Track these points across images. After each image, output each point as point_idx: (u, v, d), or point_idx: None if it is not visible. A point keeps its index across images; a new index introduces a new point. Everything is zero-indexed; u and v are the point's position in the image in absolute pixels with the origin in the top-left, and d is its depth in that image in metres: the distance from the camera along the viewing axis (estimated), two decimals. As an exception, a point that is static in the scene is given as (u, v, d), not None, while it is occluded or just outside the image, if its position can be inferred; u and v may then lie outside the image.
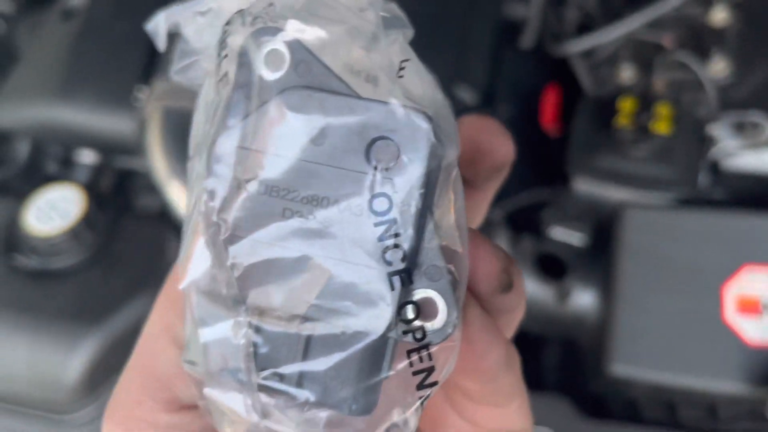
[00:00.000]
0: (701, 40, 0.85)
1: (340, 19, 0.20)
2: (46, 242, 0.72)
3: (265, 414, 0.18)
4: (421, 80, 0.21)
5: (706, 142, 0.76)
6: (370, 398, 0.19)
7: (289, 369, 0.18)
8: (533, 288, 0.70)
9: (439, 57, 0.88)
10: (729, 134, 0.75)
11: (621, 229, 0.70)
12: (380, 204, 0.19)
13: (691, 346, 0.66)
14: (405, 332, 0.19)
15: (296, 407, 0.18)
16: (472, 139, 0.24)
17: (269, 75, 0.19)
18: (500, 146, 0.26)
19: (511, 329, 0.23)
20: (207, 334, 0.19)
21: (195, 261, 0.19)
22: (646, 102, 0.75)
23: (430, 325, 0.19)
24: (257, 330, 0.19)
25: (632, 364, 0.65)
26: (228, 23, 0.20)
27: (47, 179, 0.86)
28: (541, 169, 0.86)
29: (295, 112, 0.19)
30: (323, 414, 0.18)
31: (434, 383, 0.19)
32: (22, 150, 0.88)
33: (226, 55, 0.19)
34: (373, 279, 0.19)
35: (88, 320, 0.70)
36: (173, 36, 0.23)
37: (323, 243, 0.19)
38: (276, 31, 0.19)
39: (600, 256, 0.71)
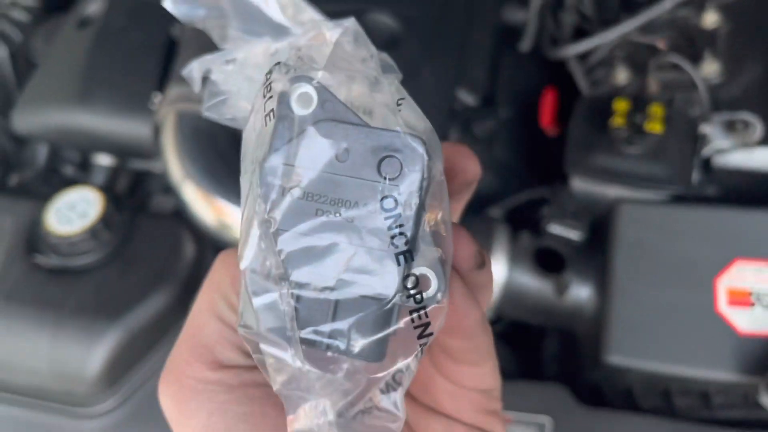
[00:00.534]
0: (693, 42, 0.88)
1: (351, 68, 0.27)
2: (66, 241, 0.75)
3: (304, 361, 0.25)
4: (414, 113, 0.28)
5: (698, 140, 0.78)
6: (382, 348, 0.25)
7: (323, 327, 0.25)
8: (533, 282, 0.73)
9: (441, 61, 0.91)
10: (720, 133, 0.78)
11: (616, 224, 0.73)
12: (389, 204, 0.26)
13: (685, 336, 0.69)
14: (408, 297, 0.26)
15: (326, 356, 0.25)
16: (449, 160, 0.31)
17: (302, 111, 0.26)
18: (470, 167, 0.32)
19: (484, 302, 0.29)
20: (259, 302, 0.25)
21: (250, 248, 0.25)
22: (639, 103, 0.77)
23: (425, 293, 0.26)
24: (298, 299, 0.25)
25: (628, 354, 0.68)
26: (270, 72, 0.27)
27: (65, 182, 0.89)
28: (540, 168, 0.90)
29: (325, 137, 0.26)
30: (345, 362, 0.25)
31: (430, 334, 0.26)
32: (41, 154, 0.92)
33: (270, 96, 0.26)
34: (384, 258, 0.25)
35: (107, 315, 0.73)
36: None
37: (347, 233, 0.26)
38: (307, 78, 0.26)
39: (597, 250, 0.74)
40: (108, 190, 0.82)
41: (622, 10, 0.94)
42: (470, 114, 0.90)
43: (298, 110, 0.26)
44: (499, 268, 0.74)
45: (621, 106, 0.78)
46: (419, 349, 0.26)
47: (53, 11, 1.01)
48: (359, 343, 0.25)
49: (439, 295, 0.26)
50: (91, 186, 0.80)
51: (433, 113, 0.35)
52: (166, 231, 0.79)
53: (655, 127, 0.76)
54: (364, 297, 0.25)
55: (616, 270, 0.71)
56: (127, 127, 0.83)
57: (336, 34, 0.27)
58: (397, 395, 0.26)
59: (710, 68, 0.83)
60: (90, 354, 0.73)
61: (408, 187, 0.26)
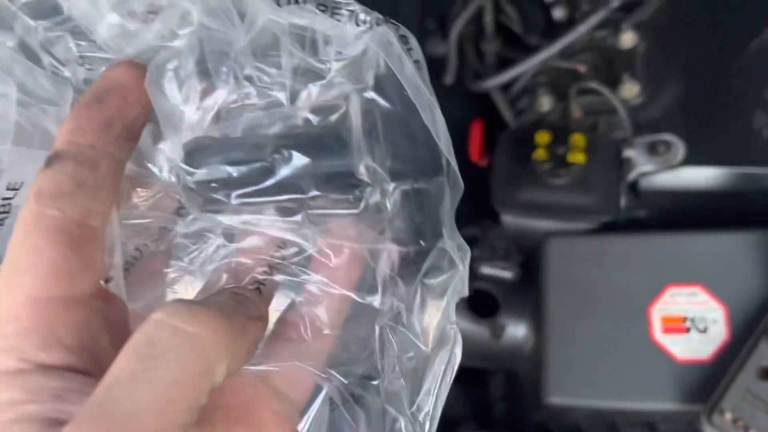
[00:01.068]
0: (613, 64, 0.88)
1: None
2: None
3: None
4: None
5: (623, 165, 0.78)
6: None
7: None
8: (468, 327, 0.71)
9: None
10: (644, 156, 0.78)
11: (545, 259, 0.72)
12: None
13: (624, 369, 0.68)
14: None
15: None
16: None
17: None
18: None
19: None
20: None
21: None
22: (561, 134, 0.77)
23: None
24: None
25: (568, 394, 0.67)
26: None
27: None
28: (473, 205, 0.89)
29: None
30: None
31: None
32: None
33: None
34: None
35: None
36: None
37: None
38: None
39: (531, 287, 0.73)
40: None
41: (544, 36, 0.94)
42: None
43: None
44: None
45: (543, 138, 0.77)
46: None
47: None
48: None
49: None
50: None
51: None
52: None
53: (577, 157, 0.75)
54: None
55: (548, 307, 0.70)
56: None
57: None
58: None
59: (630, 90, 0.83)
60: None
61: None
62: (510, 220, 0.78)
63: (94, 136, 0.26)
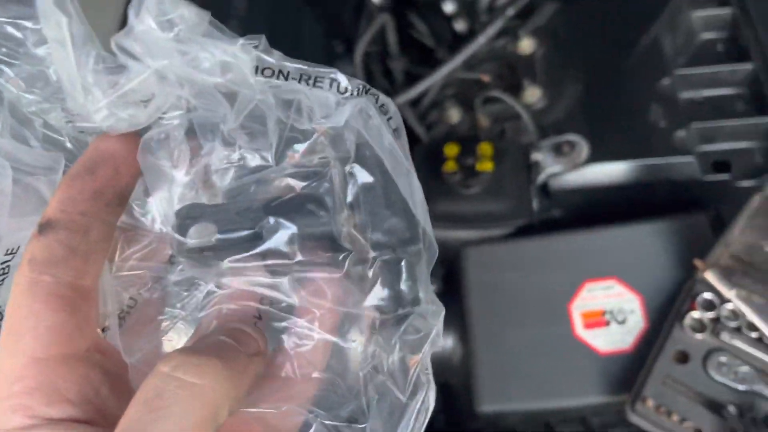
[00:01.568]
0: (515, 72, 0.90)
1: None
2: None
3: None
4: None
5: (532, 168, 0.80)
6: None
7: None
8: (395, 345, 0.72)
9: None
10: (551, 157, 0.80)
11: (464, 269, 0.73)
12: None
13: (552, 368, 0.69)
14: None
15: None
16: None
17: None
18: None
19: None
20: None
21: None
22: (469, 145, 0.78)
23: None
24: None
25: (500, 401, 0.67)
26: None
27: None
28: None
29: None
30: None
31: None
32: None
33: None
34: None
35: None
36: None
37: None
38: None
39: (453, 299, 0.74)
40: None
41: (450, 49, 0.96)
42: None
43: None
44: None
45: (451, 150, 0.78)
46: None
47: None
48: None
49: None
50: None
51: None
52: None
53: (485, 165, 0.77)
54: None
55: (472, 316, 0.71)
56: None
57: None
58: None
59: (532, 95, 0.85)
60: None
61: None
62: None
63: (86, 205, 0.27)
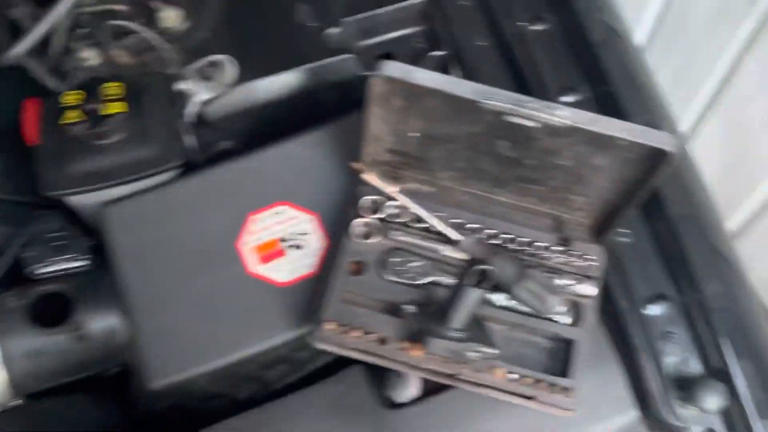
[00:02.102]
0: (150, -4, 0.78)
1: None
2: None
3: None
4: None
5: (179, 100, 0.70)
6: None
7: None
8: (40, 342, 0.59)
9: None
10: (198, 84, 0.71)
11: (109, 232, 0.62)
12: None
13: (228, 319, 0.61)
14: None
15: None
16: None
17: None
18: None
19: None
20: None
21: None
22: (93, 88, 0.66)
23: None
24: None
25: (172, 373, 0.59)
26: None
27: None
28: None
29: None
30: None
31: None
32: None
33: None
34: None
35: None
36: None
37: None
38: None
39: (107, 270, 0.63)
40: None
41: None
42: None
43: None
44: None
45: (70, 99, 0.65)
46: None
47: None
48: None
49: None
50: None
51: None
52: None
53: (114, 108, 0.65)
54: None
55: (127, 283, 0.61)
56: None
57: None
58: None
59: (170, 18, 0.74)
60: None
61: None
62: (74, 201, 0.67)
63: None
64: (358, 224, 0.62)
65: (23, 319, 0.59)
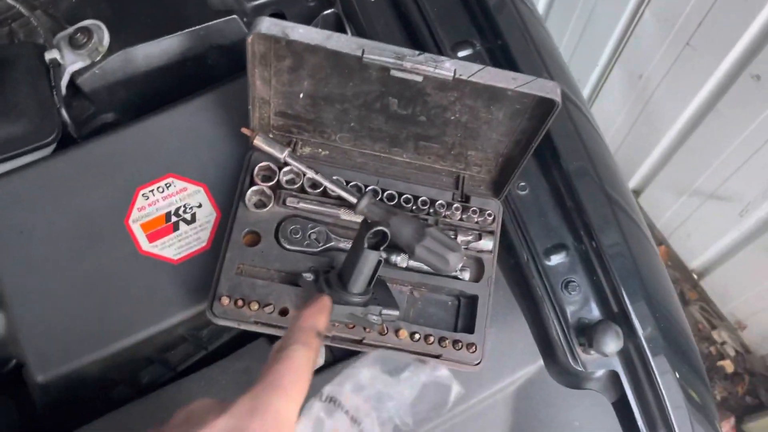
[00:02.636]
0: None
1: None
2: None
3: None
4: None
5: (51, 71, 0.65)
6: None
7: None
8: None
9: None
10: (69, 53, 0.65)
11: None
12: None
13: (119, 302, 0.57)
14: None
15: None
16: None
17: None
18: None
19: None
20: None
21: None
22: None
23: None
24: None
25: (59, 364, 0.55)
26: None
27: None
28: None
29: None
30: None
31: None
32: None
33: None
34: None
35: None
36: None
37: None
38: None
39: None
40: None
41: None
42: None
43: None
44: None
45: None
46: None
47: None
48: None
49: None
50: None
51: None
52: None
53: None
54: None
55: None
56: None
57: None
58: None
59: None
60: None
61: None
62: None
63: None
64: (252, 193, 0.59)
65: None
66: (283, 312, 0.56)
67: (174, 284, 0.59)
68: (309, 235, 0.60)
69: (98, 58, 0.65)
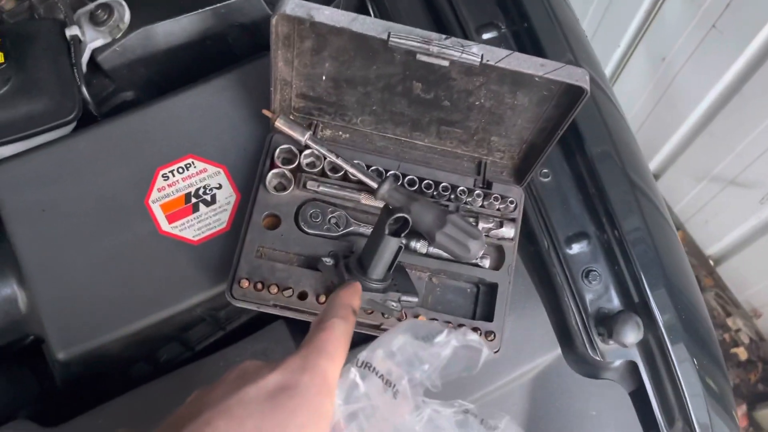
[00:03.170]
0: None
1: None
2: None
3: None
4: None
5: (72, 48, 0.64)
6: None
7: None
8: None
9: None
10: (90, 30, 0.65)
11: (-7, 197, 0.57)
12: None
13: (140, 281, 0.57)
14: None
15: None
16: None
17: None
18: None
19: None
20: None
21: None
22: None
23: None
24: None
25: (80, 341, 0.55)
26: None
27: None
28: None
29: None
30: None
31: None
32: None
33: None
34: None
35: None
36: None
37: None
38: None
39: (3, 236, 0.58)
40: None
41: None
42: None
43: None
44: None
45: (-60, 48, 0.59)
46: None
47: None
48: None
49: None
50: None
51: None
52: None
53: None
54: None
55: (20, 250, 0.56)
56: None
57: None
58: None
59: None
60: None
61: None
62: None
63: None
64: (272, 176, 0.59)
65: None
66: (302, 296, 0.56)
67: (193, 265, 0.59)
68: (329, 220, 0.59)
69: (119, 36, 0.64)
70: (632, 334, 0.59)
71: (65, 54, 0.63)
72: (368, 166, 0.60)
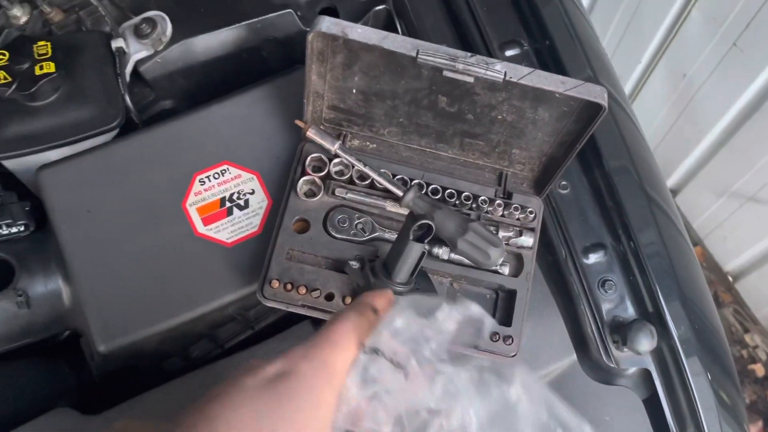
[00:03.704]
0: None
1: None
2: None
3: None
4: None
5: (117, 59, 0.68)
6: None
7: None
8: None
9: None
10: (134, 42, 0.69)
11: (45, 195, 0.61)
12: None
13: (176, 280, 0.61)
14: None
15: None
16: None
17: None
18: None
19: None
20: None
21: None
22: (23, 47, 0.63)
23: None
24: None
25: (120, 335, 0.59)
26: None
27: None
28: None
29: None
30: None
31: None
32: None
33: None
34: None
35: None
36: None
37: None
38: None
39: (49, 234, 0.62)
40: None
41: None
42: None
43: None
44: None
45: (-4, 58, 0.63)
46: None
47: None
48: None
49: None
50: None
51: None
52: None
53: (47, 68, 0.63)
54: None
55: (66, 247, 0.60)
56: None
57: None
58: None
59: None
60: None
61: None
62: (9, 165, 0.65)
63: None
64: (303, 182, 0.62)
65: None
66: (329, 297, 0.59)
67: (227, 266, 0.62)
68: (356, 225, 0.62)
69: (161, 48, 0.68)
70: (646, 342, 0.61)
71: (110, 65, 0.67)
72: (394, 175, 0.63)
